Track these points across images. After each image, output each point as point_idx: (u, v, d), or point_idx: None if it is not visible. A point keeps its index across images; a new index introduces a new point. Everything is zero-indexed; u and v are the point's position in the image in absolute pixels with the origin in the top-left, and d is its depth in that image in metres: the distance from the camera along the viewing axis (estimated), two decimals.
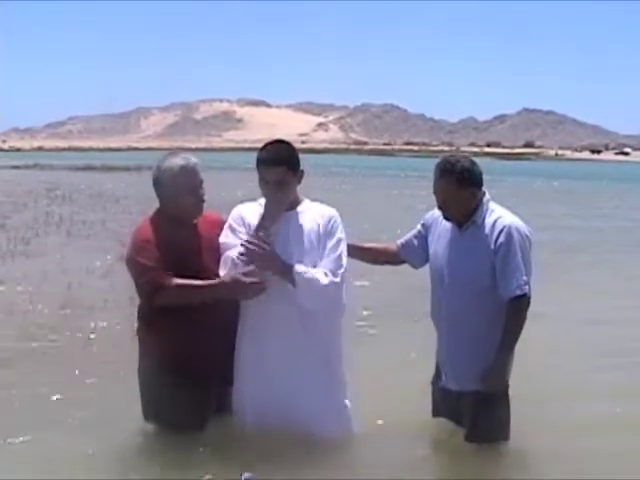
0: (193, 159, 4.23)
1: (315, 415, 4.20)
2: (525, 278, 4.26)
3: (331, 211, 4.31)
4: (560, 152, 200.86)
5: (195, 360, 4.13)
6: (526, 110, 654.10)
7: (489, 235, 4.31)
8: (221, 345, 4.23)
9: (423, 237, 4.69)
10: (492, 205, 4.44)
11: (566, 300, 9.39)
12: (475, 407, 4.39)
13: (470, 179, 4.35)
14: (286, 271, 4.06)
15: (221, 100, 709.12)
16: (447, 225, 4.51)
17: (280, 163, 4.11)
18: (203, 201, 4.28)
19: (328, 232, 4.21)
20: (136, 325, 4.36)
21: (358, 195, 27.71)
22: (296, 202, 4.27)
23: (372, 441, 4.52)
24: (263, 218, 4.15)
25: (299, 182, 4.24)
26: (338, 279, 4.12)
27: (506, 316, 4.25)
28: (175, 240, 4.10)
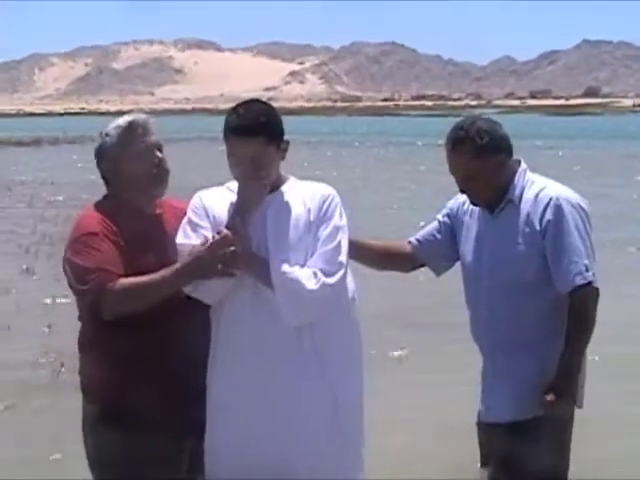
0: (145, 115, 4.47)
1: (312, 471, 4.24)
2: (587, 262, 4.47)
3: (326, 190, 4.33)
4: (639, 101, 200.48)
5: (158, 402, 4.21)
6: (587, 43, 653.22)
7: (532, 213, 4.56)
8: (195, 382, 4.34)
9: (449, 230, 4.92)
10: (530, 175, 4.71)
11: None
12: (523, 440, 4.53)
13: (492, 144, 4.58)
14: (263, 271, 4.12)
15: (151, 42, 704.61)
16: (476, 212, 4.78)
17: (257, 132, 4.17)
18: (166, 171, 4.41)
19: (322, 218, 4.24)
20: (78, 361, 4.44)
21: (355, 174, 27.61)
22: (278, 183, 4.33)
23: None
24: (236, 208, 4.21)
25: (283, 157, 4.32)
26: (334, 280, 4.14)
27: (569, 314, 4.47)
28: (132, 234, 4.25)
